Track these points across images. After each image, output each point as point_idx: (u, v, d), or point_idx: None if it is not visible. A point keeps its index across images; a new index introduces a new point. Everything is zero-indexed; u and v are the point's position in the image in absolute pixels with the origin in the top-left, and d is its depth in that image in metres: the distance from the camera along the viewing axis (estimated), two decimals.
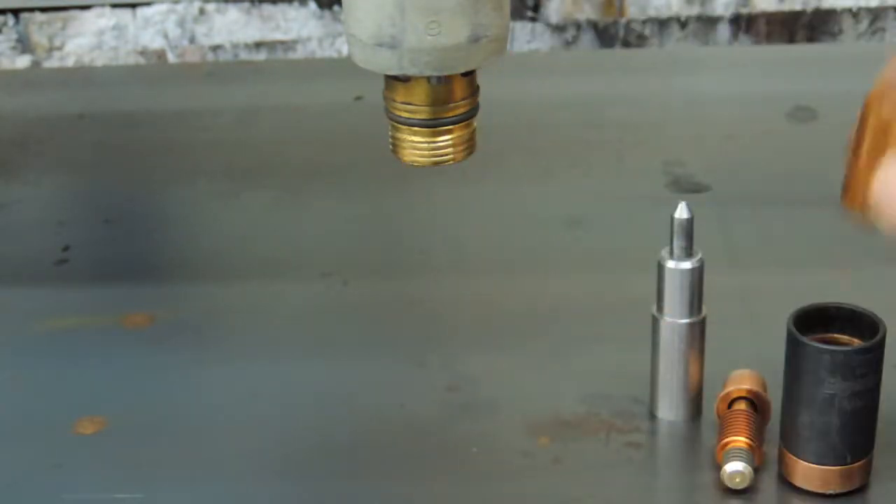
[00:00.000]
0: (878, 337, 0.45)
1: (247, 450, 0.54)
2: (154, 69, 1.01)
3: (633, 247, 0.67)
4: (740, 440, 0.49)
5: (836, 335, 0.47)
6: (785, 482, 0.49)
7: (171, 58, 1.04)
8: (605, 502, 0.50)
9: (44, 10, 1.03)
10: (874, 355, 0.45)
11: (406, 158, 0.44)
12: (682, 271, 0.52)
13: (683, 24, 1.01)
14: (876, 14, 1.01)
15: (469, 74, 0.42)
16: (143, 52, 1.04)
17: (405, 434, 0.54)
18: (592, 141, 0.78)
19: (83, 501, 0.51)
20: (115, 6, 1.02)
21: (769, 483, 0.50)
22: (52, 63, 1.04)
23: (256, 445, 0.54)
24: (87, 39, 1.03)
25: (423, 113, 0.42)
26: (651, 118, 0.81)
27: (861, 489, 0.49)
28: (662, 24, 1.01)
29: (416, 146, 0.43)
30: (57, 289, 0.66)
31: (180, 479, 0.52)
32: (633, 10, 1.01)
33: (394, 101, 0.42)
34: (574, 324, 0.60)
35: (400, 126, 0.43)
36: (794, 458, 0.48)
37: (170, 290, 0.66)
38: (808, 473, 0.48)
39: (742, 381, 0.52)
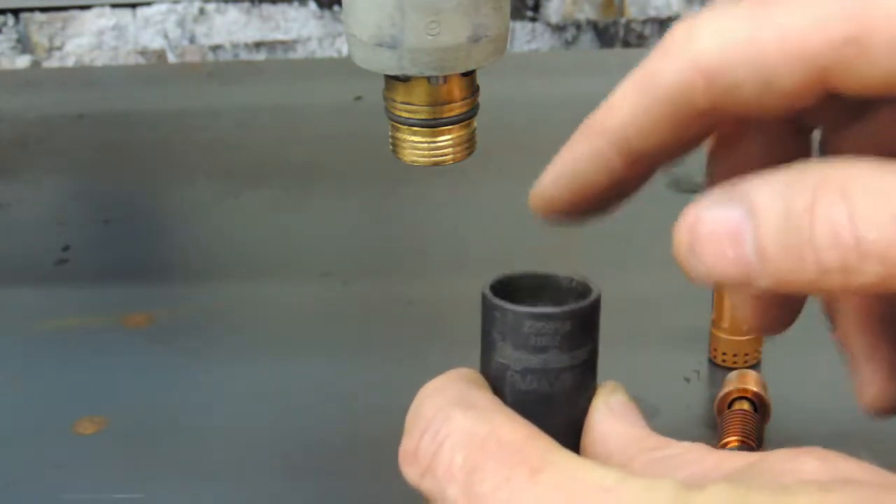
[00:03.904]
0: (565, 308, 0.35)
1: (247, 450, 0.54)
2: (154, 69, 1.01)
3: (633, 247, 0.67)
4: (740, 440, 0.49)
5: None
6: None
7: (171, 58, 1.04)
8: None
9: (44, 10, 1.03)
10: (556, 327, 0.35)
11: (406, 158, 0.44)
12: None
13: None
14: None
15: (469, 74, 0.42)
16: (143, 52, 1.04)
17: None
18: None
19: (83, 501, 0.51)
20: (115, 6, 1.02)
21: None
22: (52, 63, 1.04)
23: (256, 445, 0.54)
24: (87, 39, 1.03)
25: (422, 113, 0.42)
26: None
27: None
28: (662, 24, 1.01)
29: (416, 146, 0.43)
30: (57, 289, 0.66)
31: (180, 479, 0.52)
32: (633, 10, 1.01)
33: (394, 101, 0.42)
34: None
35: (400, 126, 0.43)
36: None
37: (170, 290, 0.66)
38: None
39: (742, 382, 0.52)
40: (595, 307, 0.36)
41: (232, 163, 0.79)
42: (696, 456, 0.30)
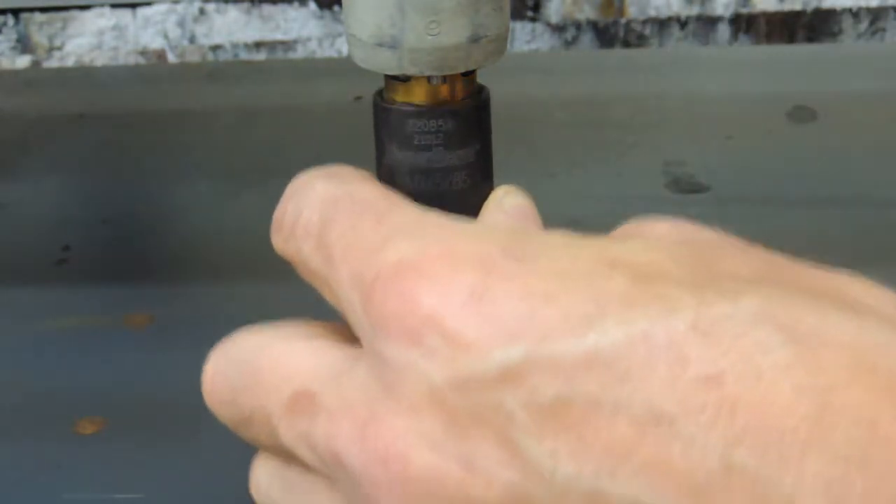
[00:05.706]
0: (446, 106, 0.35)
1: (247, 450, 0.53)
2: (154, 69, 1.01)
3: None
4: None
5: None
6: None
7: (171, 58, 1.04)
8: None
9: (44, 10, 1.03)
10: (439, 125, 0.35)
11: None
12: None
13: (683, 24, 1.01)
14: (876, 14, 1.01)
15: (469, 74, 0.42)
16: (143, 52, 1.04)
17: None
18: (592, 141, 0.78)
19: (83, 501, 0.51)
20: (115, 6, 1.02)
21: None
22: (52, 63, 1.04)
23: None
24: (87, 39, 1.03)
25: None
26: (651, 118, 0.81)
27: None
28: (662, 24, 1.02)
29: None
30: (57, 289, 0.66)
31: (180, 479, 0.52)
32: (633, 10, 1.01)
33: (394, 100, 0.42)
34: None
35: None
36: None
37: (170, 290, 0.65)
38: None
39: None
40: (480, 107, 0.35)
41: (232, 163, 0.79)
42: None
